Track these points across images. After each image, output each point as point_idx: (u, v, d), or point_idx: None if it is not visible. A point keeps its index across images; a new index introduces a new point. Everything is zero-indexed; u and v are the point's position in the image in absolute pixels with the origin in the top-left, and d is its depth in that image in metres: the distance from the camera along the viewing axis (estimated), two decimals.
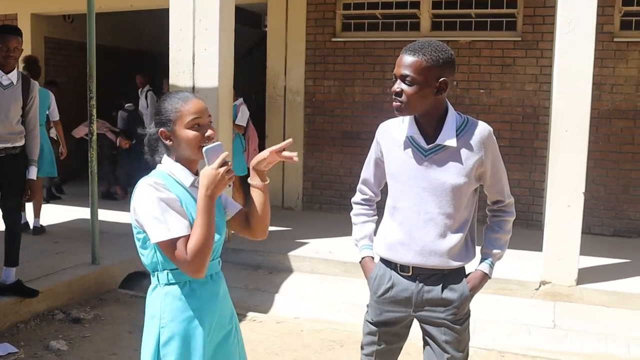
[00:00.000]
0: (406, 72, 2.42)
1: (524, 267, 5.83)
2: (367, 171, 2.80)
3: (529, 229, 7.45)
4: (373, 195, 2.83)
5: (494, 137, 2.55)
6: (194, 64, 6.33)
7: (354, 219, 2.86)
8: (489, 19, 8.03)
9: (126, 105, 9.64)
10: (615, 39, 7.49)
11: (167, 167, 2.30)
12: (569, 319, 5.27)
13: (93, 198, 5.78)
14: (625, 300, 5.40)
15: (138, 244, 2.26)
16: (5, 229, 4.91)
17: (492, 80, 7.99)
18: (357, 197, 2.87)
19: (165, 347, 2.21)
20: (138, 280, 6.04)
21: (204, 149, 2.20)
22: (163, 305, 2.23)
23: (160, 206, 2.15)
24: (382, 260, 2.67)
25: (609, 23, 7.45)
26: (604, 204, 7.70)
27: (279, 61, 8.84)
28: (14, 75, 4.82)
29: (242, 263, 6.37)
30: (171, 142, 2.28)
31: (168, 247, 2.13)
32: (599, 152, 7.45)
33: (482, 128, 2.52)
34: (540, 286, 5.57)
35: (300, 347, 4.82)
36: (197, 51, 6.29)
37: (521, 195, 7.53)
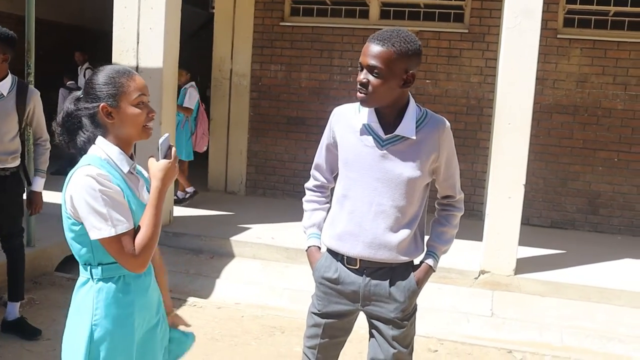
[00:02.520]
0: (374, 62, 2.32)
1: (465, 257, 5.91)
2: (320, 157, 2.73)
3: (470, 219, 7.54)
4: (325, 181, 2.75)
5: (451, 132, 2.53)
6: (138, 43, 6.18)
7: (304, 205, 2.77)
8: (437, 10, 8.08)
9: (68, 83, 9.36)
10: (558, 36, 7.65)
11: (104, 151, 2.13)
12: (507, 308, 5.38)
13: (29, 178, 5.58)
14: (559, 290, 5.54)
15: (70, 235, 2.12)
16: (7, 260, 4.50)
17: (438, 71, 8.05)
18: (309, 183, 2.79)
19: (98, 344, 2.10)
20: (75, 263, 5.87)
21: (159, 140, 2.13)
22: (96, 302, 2.11)
23: (104, 200, 2.01)
24: (329, 251, 2.61)
25: (552, 19, 7.60)
26: (542, 196, 7.88)
27: (226, 44, 8.70)
28: (4, 86, 4.18)
29: (184, 247, 6.27)
30: (112, 121, 2.12)
31: (111, 243, 2.02)
32: (539, 146, 7.61)
33: (441, 122, 2.49)
34: (479, 275, 5.67)
35: (240, 332, 4.78)
36: (142, 30, 6.14)
37: (463, 185, 7.53)
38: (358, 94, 2.39)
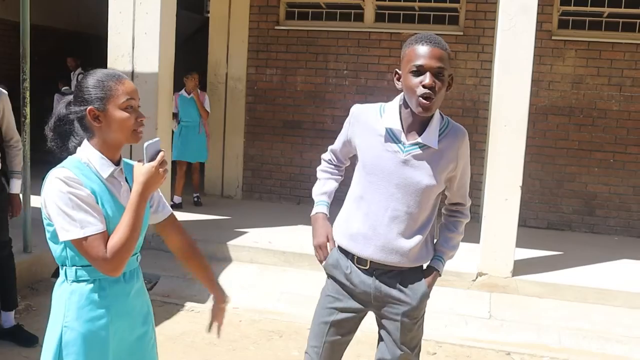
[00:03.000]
0: (441, 64, 2.29)
1: (462, 259, 5.86)
2: (337, 144, 2.73)
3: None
4: (340, 163, 2.79)
5: (468, 141, 2.53)
6: (133, 48, 6.17)
7: (319, 174, 2.79)
8: (432, 13, 8.09)
9: (63, 88, 9.37)
10: (553, 37, 7.67)
11: (85, 155, 2.11)
12: (504, 310, 5.38)
13: (26, 184, 5.57)
14: (557, 291, 5.54)
15: (47, 235, 2.12)
16: None
17: None
18: (326, 155, 2.81)
19: (67, 348, 2.07)
20: None
21: (145, 144, 2.08)
22: (69, 304, 2.08)
23: (72, 202, 1.99)
24: (340, 249, 2.61)
25: (547, 22, 7.62)
26: (539, 197, 7.89)
27: (221, 48, 8.71)
28: None
29: None
30: (99, 124, 2.09)
31: (80, 245, 2.00)
32: (535, 147, 7.62)
33: (461, 133, 2.49)
34: (477, 277, 5.67)
35: (238, 337, 4.77)
36: (137, 35, 6.13)
37: None
38: (424, 101, 2.31)
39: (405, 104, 2.44)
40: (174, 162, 7.50)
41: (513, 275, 5.62)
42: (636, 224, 7.75)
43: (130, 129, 2.11)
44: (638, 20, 7.55)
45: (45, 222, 2.11)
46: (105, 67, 6.21)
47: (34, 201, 5.84)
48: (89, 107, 2.08)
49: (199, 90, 8.06)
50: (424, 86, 2.30)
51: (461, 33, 7.95)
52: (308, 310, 5.15)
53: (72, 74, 9.92)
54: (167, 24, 6.20)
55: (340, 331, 2.62)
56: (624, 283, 5.65)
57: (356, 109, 2.58)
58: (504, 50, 5.50)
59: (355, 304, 2.58)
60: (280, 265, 6.05)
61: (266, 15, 8.57)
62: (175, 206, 7.77)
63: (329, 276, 2.65)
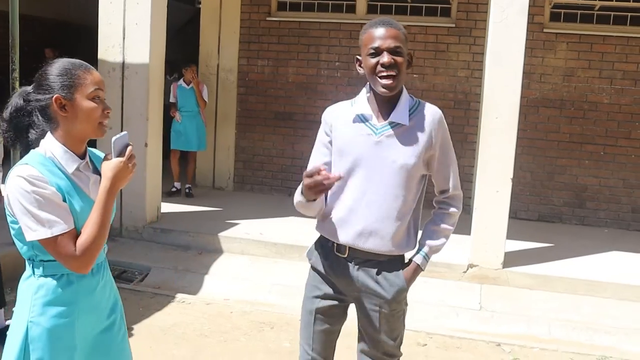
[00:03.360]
0: (396, 43, 2.35)
1: (453, 251, 5.89)
2: (315, 158, 2.61)
3: None
4: None
5: (445, 121, 2.53)
6: (124, 38, 6.14)
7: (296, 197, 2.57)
8: (424, 5, 8.08)
9: None
10: (544, 30, 7.67)
11: (49, 149, 2.03)
12: (495, 301, 5.40)
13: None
14: (547, 283, 5.57)
15: (12, 232, 2.05)
16: None
17: (426, 66, 8.06)
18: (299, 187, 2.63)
19: (33, 343, 2.02)
20: None
21: (113, 138, 2.04)
22: (34, 299, 2.03)
23: (37, 202, 1.93)
24: (321, 239, 2.61)
25: (539, 14, 7.62)
26: (529, 189, 7.92)
27: (213, 39, 8.67)
28: None
29: (171, 243, 6.25)
30: (65, 114, 2.01)
31: (48, 245, 1.96)
32: (526, 140, 7.64)
33: (434, 111, 2.50)
34: (467, 269, 5.69)
35: (229, 328, 4.77)
36: (128, 25, 6.10)
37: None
38: (386, 80, 2.36)
39: (372, 90, 2.48)
40: (167, 152, 7.59)
41: (503, 267, 5.65)
42: (626, 216, 7.79)
43: (97, 121, 2.05)
44: (629, 14, 7.56)
45: (9, 219, 2.04)
46: (96, 58, 6.20)
47: None
48: (55, 95, 2.00)
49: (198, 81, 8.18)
50: (382, 65, 2.35)
51: (453, 25, 7.95)
52: (299, 302, 5.16)
53: None
54: (158, 14, 6.17)
55: (327, 320, 2.61)
56: (613, 275, 5.69)
57: (328, 110, 2.60)
58: (496, 42, 5.50)
59: (335, 293, 2.58)
60: (271, 257, 6.05)
61: (258, 7, 8.53)
62: (177, 192, 8.07)
63: (311, 266, 2.66)
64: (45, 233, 1.94)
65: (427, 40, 8.02)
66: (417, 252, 2.59)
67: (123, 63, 6.13)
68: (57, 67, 2.04)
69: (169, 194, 7.80)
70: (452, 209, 2.62)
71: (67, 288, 2.06)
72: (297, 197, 2.48)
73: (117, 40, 6.13)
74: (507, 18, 5.44)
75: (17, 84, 5.44)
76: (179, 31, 11.17)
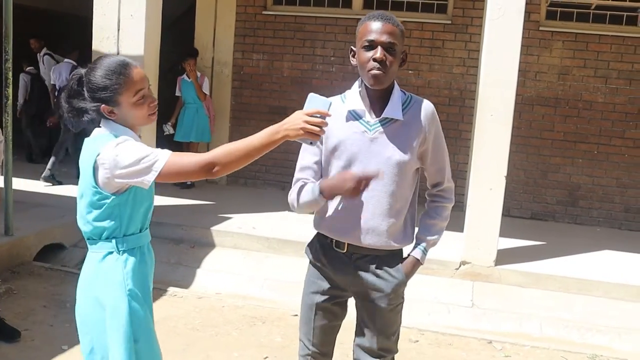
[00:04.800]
0: (391, 39, 2.34)
1: (445, 248, 5.88)
2: (305, 158, 2.56)
3: (452, 210, 7.57)
4: (316, 178, 2.53)
5: (437, 116, 2.52)
6: (119, 30, 6.09)
7: (298, 196, 2.49)
8: (420, 1, 8.07)
9: (27, 68, 9.34)
10: (541, 28, 7.67)
11: (112, 130, 2.21)
12: (487, 299, 5.41)
13: (7, 166, 5.50)
14: (539, 281, 5.58)
15: (95, 213, 2.19)
16: None
17: (421, 62, 8.05)
18: (297, 181, 2.55)
19: (134, 314, 2.20)
20: (54, 252, 5.82)
21: (310, 93, 2.14)
22: (125, 272, 2.21)
23: (140, 146, 2.10)
24: (319, 236, 2.60)
25: (535, 12, 7.62)
26: (523, 187, 7.93)
27: (208, 32, 8.63)
28: None
29: (164, 237, 6.22)
30: (115, 116, 2.20)
31: (173, 164, 2.07)
32: (520, 138, 7.65)
33: (426, 105, 2.49)
34: (460, 266, 5.69)
35: (221, 322, 4.76)
36: (123, 17, 6.05)
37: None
38: (374, 72, 2.35)
39: (363, 84, 2.46)
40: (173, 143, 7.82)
41: (496, 265, 5.65)
42: (618, 215, 7.81)
43: (145, 117, 2.22)
44: (625, 13, 7.57)
45: (95, 197, 2.17)
46: (90, 49, 6.15)
47: (16, 183, 5.82)
48: (101, 106, 2.16)
49: (198, 74, 8.23)
50: (374, 60, 2.34)
51: (449, 22, 7.94)
52: (291, 297, 5.16)
53: (37, 55, 9.72)
54: (153, 6, 6.12)
55: (327, 315, 2.61)
56: (605, 274, 5.69)
57: None
58: (492, 39, 5.49)
59: (335, 288, 2.58)
60: (263, 252, 6.04)
61: (253, 0, 8.50)
62: (191, 185, 8.17)
63: (310, 262, 2.65)
64: (163, 157, 2.07)
65: (422, 37, 8.00)
66: (416, 246, 2.59)
67: (117, 54, 6.07)
68: (100, 76, 2.15)
69: (181, 187, 7.99)
70: (447, 202, 2.64)
71: (142, 259, 2.29)
72: (307, 196, 2.42)
73: (111, 32, 6.09)
74: (504, 15, 5.42)
75: (10, 74, 5.40)
76: (174, 24, 11.12)
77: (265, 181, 8.61)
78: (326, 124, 2.12)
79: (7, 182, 5.50)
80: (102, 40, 6.13)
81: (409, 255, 2.58)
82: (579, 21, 7.68)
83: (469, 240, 5.68)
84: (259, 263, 5.88)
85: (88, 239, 2.26)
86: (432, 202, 2.65)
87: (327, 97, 2.51)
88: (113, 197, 2.16)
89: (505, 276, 5.63)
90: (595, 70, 7.67)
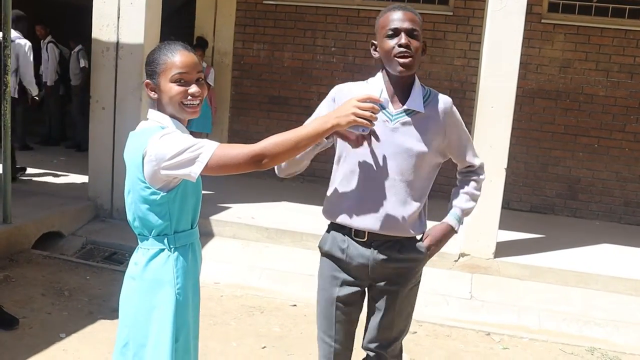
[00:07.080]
0: (413, 25, 2.36)
1: None
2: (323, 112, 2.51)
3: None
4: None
5: (455, 108, 2.53)
6: (119, 18, 6.07)
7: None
8: None
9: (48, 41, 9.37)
10: (542, 21, 7.65)
11: (158, 122, 2.18)
12: (485, 291, 5.41)
13: (5, 153, 5.48)
14: (538, 273, 5.58)
15: (143, 208, 2.16)
16: None
17: None
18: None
19: (179, 311, 2.18)
20: (53, 240, 5.81)
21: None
22: (176, 270, 2.19)
23: (184, 137, 2.06)
24: (336, 226, 2.56)
25: (537, 4, 7.60)
26: (523, 180, 7.93)
27: (208, 21, 8.61)
28: None
29: None
30: (156, 95, 2.18)
31: (222, 155, 2.02)
32: (521, 130, 7.63)
33: (445, 99, 2.51)
34: (459, 258, 5.69)
35: (219, 312, 4.76)
36: (123, 5, 6.03)
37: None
38: (403, 60, 2.35)
39: (387, 74, 2.46)
40: None
41: (495, 257, 5.65)
42: (617, 209, 7.81)
43: (178, 102, 2.14)
44: (627, 6, 7.54)
45: (145, 192, 2.14)
46: (90, 37, 6.13)
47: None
48: (145, 81, 2.19)
49: (204, 65, 8.17)
50: (399, 45, 2.35)
51: (451, 13, 7.91)
52: (290, 287, 5.17)
53: (42, 42, 9.66)
54: None
55: (347, 308, 2.57)
56: (603, 267, 5.70)
57: (339, 87, 2.53)
58: (494, 31, 5.47)
59: (353, 279, 2.55)
60: (262, 242, 6.03)
61: None
62: None
63: (324, 255, 2.61)
64: (210, 147, 2.01)
65: (424, 28, 7.90)
66: (449, 215, 2.63)
67: (117, 43, 6.06)
68: (154, 53, 2.18)
69: None
70: (481, 176, 2.69)
71: (193, 257, 2.26)
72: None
73: (111, 20, 6.07)
74: (506, 7, 5.40)
75: (9, 60, 5.38)
76: (175, 13, 11.08)
77: (264, 171, 8.57)
78: (378, 110, 2.11)
79: (5, 168, 5.49)
80: (102, 28, 6.11)
81: (441, 222, 2.61)
82: (581, 14, 7.66)
83: (468, 232, 5.67)
84: (258, 253, 5.88)
85: (139, 234, 2.25)
86: (465, 175, 2.70)
87: (331, 87, 2.50)
88: (162, 194, 2.11)
89: (504, 268, 5.63)
90: (597, 63, 7.65)
